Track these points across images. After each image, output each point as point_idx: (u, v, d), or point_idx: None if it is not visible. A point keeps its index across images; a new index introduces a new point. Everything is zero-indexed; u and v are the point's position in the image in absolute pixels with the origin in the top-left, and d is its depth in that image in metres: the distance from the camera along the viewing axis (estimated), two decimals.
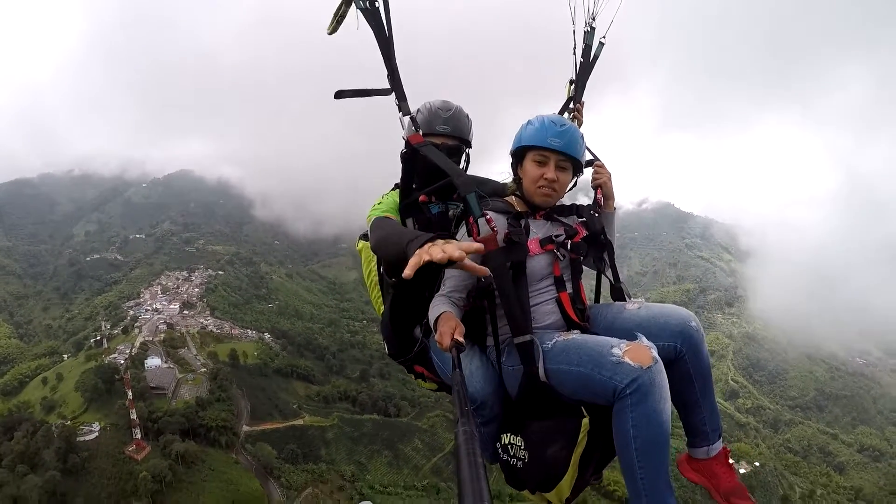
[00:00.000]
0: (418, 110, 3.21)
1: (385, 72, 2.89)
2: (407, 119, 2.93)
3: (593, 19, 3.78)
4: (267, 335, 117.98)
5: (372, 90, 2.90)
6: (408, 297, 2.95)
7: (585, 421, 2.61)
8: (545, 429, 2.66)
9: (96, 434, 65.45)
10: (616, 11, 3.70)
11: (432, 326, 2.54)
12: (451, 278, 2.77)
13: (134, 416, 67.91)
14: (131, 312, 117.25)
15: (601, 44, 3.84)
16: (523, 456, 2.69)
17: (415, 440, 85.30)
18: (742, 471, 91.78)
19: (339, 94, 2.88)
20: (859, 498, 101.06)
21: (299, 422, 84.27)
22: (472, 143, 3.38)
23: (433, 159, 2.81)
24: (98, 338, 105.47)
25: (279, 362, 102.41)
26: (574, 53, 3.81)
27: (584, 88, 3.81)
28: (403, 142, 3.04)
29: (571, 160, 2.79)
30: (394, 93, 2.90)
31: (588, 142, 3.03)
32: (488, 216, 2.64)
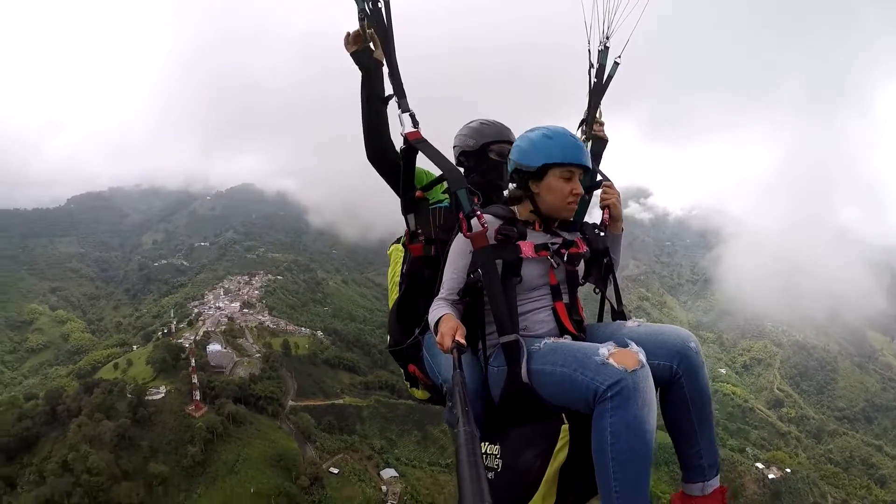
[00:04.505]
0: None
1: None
2: (406, 115, 2.93)
3: (608, 38, 3.72)
4: (319, 332, 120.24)
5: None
6: (417, 293, 3.25)
7: (565, 427, 2.37)
8: (522, 435, 2.47)
9: (162, 395, 73.43)
10: (632, 32, 3.64)
11: (432, 329, 2.55)
12: (448, 280, 2.74)
13: (195, 380, 75.42)
14: (196, 310, 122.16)
15: (616, 63, 3.77)
16: (496, 465, 2.47)
17: (444, 424, 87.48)
18: (771, 476, 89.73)
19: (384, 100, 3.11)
20: None
21: (340, 401, 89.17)
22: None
23: (427, 155, 2.86)
24: (165, 330, 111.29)
25: (328, 354, 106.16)
26: (589, 73, 3.76)
27: (597, 107, 3.73)
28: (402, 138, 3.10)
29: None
30: (394, 90, 2.94)
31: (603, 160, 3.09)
32: (478, 212, 2.56)
